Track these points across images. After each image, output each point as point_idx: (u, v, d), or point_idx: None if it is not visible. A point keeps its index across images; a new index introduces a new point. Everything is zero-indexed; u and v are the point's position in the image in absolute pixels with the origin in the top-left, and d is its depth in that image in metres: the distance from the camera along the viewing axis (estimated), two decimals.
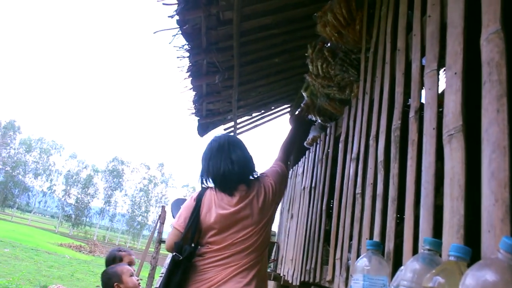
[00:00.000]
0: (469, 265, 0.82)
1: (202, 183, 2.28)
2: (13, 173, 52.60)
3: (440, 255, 1.06)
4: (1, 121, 50.66)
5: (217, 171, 2.19)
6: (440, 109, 1.32)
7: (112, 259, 2.87)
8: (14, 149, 53.20)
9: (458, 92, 1.16)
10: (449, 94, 1.20)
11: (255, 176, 2.26)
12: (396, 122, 1.64)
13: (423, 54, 1.55)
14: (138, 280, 2.68)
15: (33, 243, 23.72)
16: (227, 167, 2.17)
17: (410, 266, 1.03)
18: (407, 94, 1.66)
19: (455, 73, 1.20)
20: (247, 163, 2.24)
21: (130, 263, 2.89)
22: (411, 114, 1.50)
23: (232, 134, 4.40)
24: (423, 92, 1.50)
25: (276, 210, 2.27)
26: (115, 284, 2.52)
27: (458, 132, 1.13)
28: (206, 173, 2.25)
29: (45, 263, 15.74)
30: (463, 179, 1.09)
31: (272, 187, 2.21)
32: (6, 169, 51.80)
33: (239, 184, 2.16)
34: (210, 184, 2.25)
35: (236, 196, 2.14)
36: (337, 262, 2.12)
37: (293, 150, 2.76)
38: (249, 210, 2.11)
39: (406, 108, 1.65)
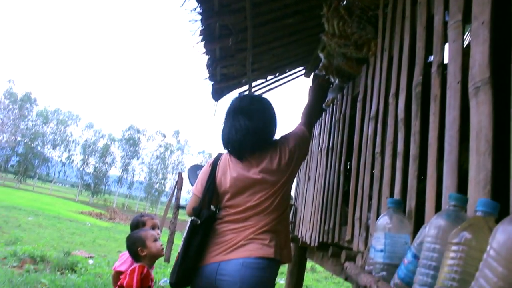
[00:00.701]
0: (497, 221, 0.80)
1: (226, 147, 2.26)
2: (32, 145, 53.58)
3: (466, 212, 1.03)
4: (18, 94, 51.13)
5: (230, 136, 2.18)
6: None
7: (136, 225, 2.93)
8: (32, 121, 53.99)
9: (485, 43, 1.10)
10: (475, 45, 1.14)
11: (273, 139, 2.25)
12: (418, 78, 1.59)
13: (446, 7, 1.48)
14: (161, 245, 2.72)
15: (55, 212, 24.31)
16: (240, 132, 2.15)
17: (435, 222, 1.01)
18: (428, 50, 1.60)
19: (482, 23, 1.14)
20: (264, 127, 2.20)
21: (154, 227, 2.94)
22: (434, 68, 1.45)
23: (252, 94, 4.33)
24: (446, 47, 1.44)
25: (295, 172, 2.24)
26: (139, 248, 2.56)
27: (486, 85, 1.08)
28: (224, 136, 2.24)
29: (67, 230, 16.12)
30: (490, 133, 1.05)
31: (289, 149, 2.18)
32: (25, 141, 52.72)
33: (253, 149, 2.14)
34: (230, 150, 2.25)
35: (251, 159, 2.14)
36: (356, 222, 2.11)
37: (316, 115, 2.74)
38: (263, 173, 2.10)
39: (426, 68, 1.60)
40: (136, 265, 2.55)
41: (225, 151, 2.28)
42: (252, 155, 2.14)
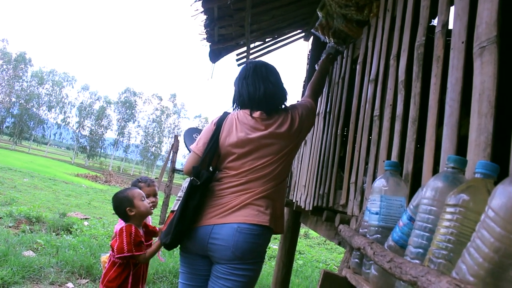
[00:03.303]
0: (496, 184, 0.78)
1: (235, 107, 2.24)
2: (27, 106, 53.15)
3: (464, 175, 1.01)
4: (12, 54, 50.32)
5: (256, 91, 2.14)
6: None
7: None
8: (27, 82, 53.34)
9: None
10: (483, 2, 1.09)
11: (285, 103, 2.23)
12: (420, 39, 1.54)
13: None
14: (149, 203, 2.67)
15: (50, 174, 24.38)
16: (268, 88, 2.14)
17: (432, 184, 0.99)
18: (433, 11, 1.55)
19: None
20: (282, 88, 2.21)
21: (150, 194, 2.86)
22: (438, 28, 1.40)
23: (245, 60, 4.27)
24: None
25: (300, 142, 2.22)
26: (127, 208, 2.51)
27: (492, 44, 1.04)
28: (240, 94, 2.20)
29: (63, 192, 16.19)
30: (493, 95, 1.02)
31: (299, 118, 2.16)
32: (20, 102, 52.26)
33: (276, 108, 2.14)
34: (241, 109, 2.21)
35: (261, 121, 2.10)
36: (352, 186, 2.10)
37: (321, 90, 2.68)
38: (271, 138, 2.07)
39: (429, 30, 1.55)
40: (123, 225, 2.52)
41: (232, 111, 2.24)
42: (263, 117, 2.11)
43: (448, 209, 0.85)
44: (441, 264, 0.84)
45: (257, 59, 2.34)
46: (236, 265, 1.95)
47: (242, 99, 2.18)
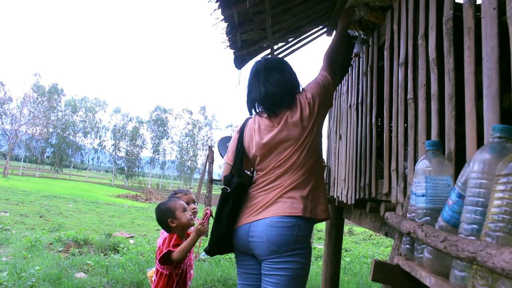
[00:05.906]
0: None
1: (249, 112, 2.29)
2: (64, 135, 54.87)
3: None
4: (45, 86, 52.00)
5: (257, 95, 2.18)
6: None
7: None
8: (61, 111, 55.07)
9: None
10: None
11: (296, 94, 2.20)
12: (448, 13, 1.50)
13: None
14: (191, 214, 2.70)
15: (92, 197, 25.03)
16: (270, 89, 2.14)
17: (479, 157, 0.95)
18: None
19: None
20: (287, 84, 2.18)
21: (189, 202, 2.93)
22: None
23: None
24: None
25: (318, 121, 2.15)
26: (169, 220, 2.55)
27: None
28: (248, 99, 2.27)
29: (106, 213, 16.58)
30: None
31: (308, 100, 2.12)
32: (57, 131, 53.97)
33: (281, 106, 2.12)
34: (256, 112, 2.26)
35: (274, 119, 2.12)
36: (393, 173, 2.05)
37: (340, 56, 2.51)
38: (286, 130, 2.07)
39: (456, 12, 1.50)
40: (166, 235, 2.56)
41: (253, 115, 2.28)
42: (278, 114, 2.11)
43: (500, 180, 0.82)
44: (500, 237, 0.80)
45: (262, 58, 2.33)
46: (275, 259, 1.96)
47: (252, 104, 2.25)
